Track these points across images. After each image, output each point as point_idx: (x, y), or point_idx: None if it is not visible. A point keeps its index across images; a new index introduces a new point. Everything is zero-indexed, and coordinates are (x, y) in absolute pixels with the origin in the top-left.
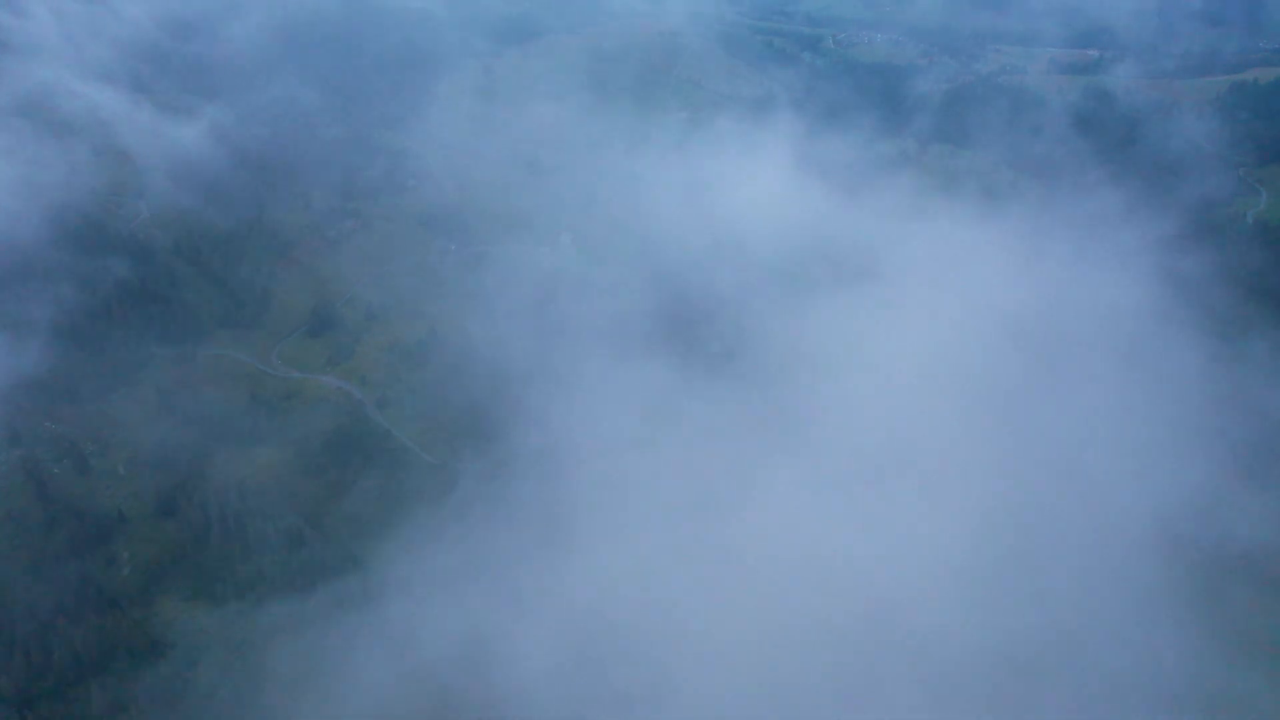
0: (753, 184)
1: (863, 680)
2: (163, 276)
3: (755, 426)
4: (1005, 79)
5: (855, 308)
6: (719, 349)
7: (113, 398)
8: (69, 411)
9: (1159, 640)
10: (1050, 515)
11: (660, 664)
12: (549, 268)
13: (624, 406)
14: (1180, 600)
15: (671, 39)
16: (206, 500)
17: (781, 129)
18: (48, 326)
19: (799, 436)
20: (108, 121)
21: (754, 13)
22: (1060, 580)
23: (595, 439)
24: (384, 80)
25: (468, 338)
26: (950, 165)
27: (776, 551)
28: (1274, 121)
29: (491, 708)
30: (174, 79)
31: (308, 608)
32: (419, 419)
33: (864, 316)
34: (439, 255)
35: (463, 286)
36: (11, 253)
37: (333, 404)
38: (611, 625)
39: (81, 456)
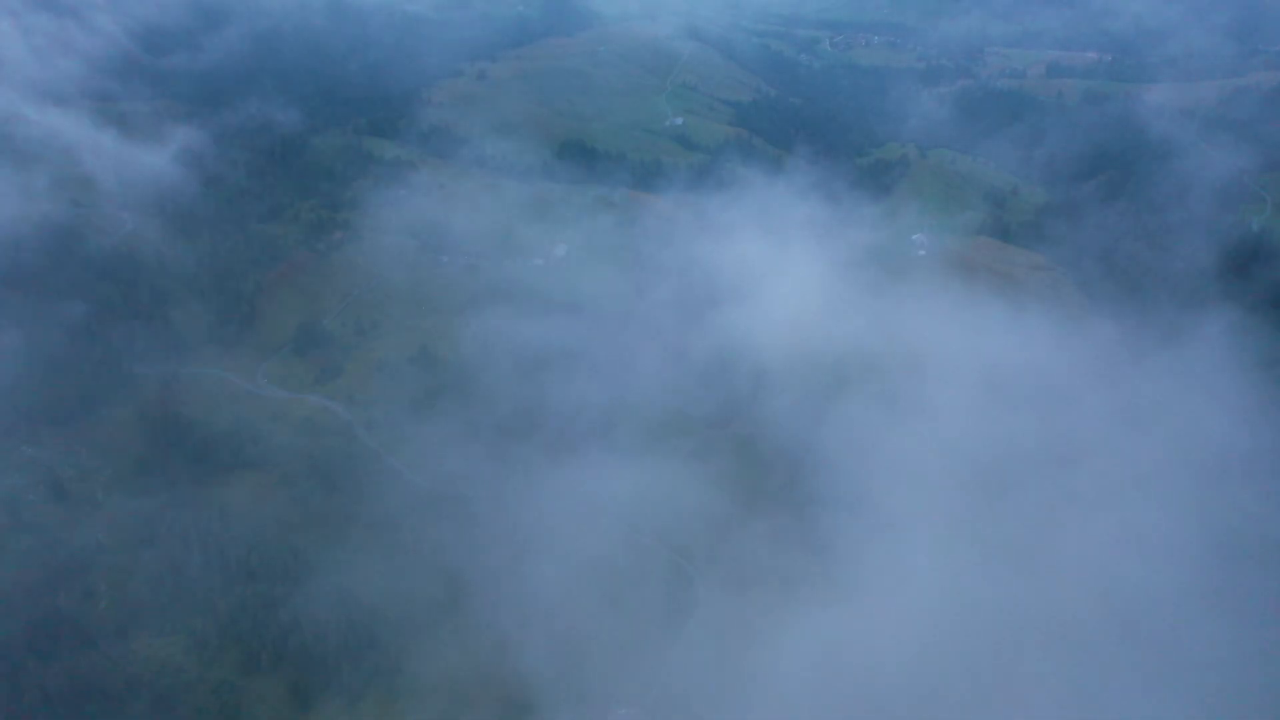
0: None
1: None
2: (146, 292)
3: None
4: (1004, 83)
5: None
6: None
7: (92, 419)
8: (47, 434)
9: None
10: None
11: None
12: (544, 281)
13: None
14: None
15: (668, 43)
16: (188, 529)
17: (775, 135)
18: (24, 345)
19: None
20: (88, 132)
21: (751, 16)
22: None
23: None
24: (375, 87)
25: (460, 355)
26: (950, 171)
27: None
28: (1278, 127)
29: None
30: (157, 89)
31: (290, 644)
32: (409, 441)
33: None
34: (431, 268)
35: (455, 301)
36: None
37: (320, 425)
38: None
39: (59, 482)
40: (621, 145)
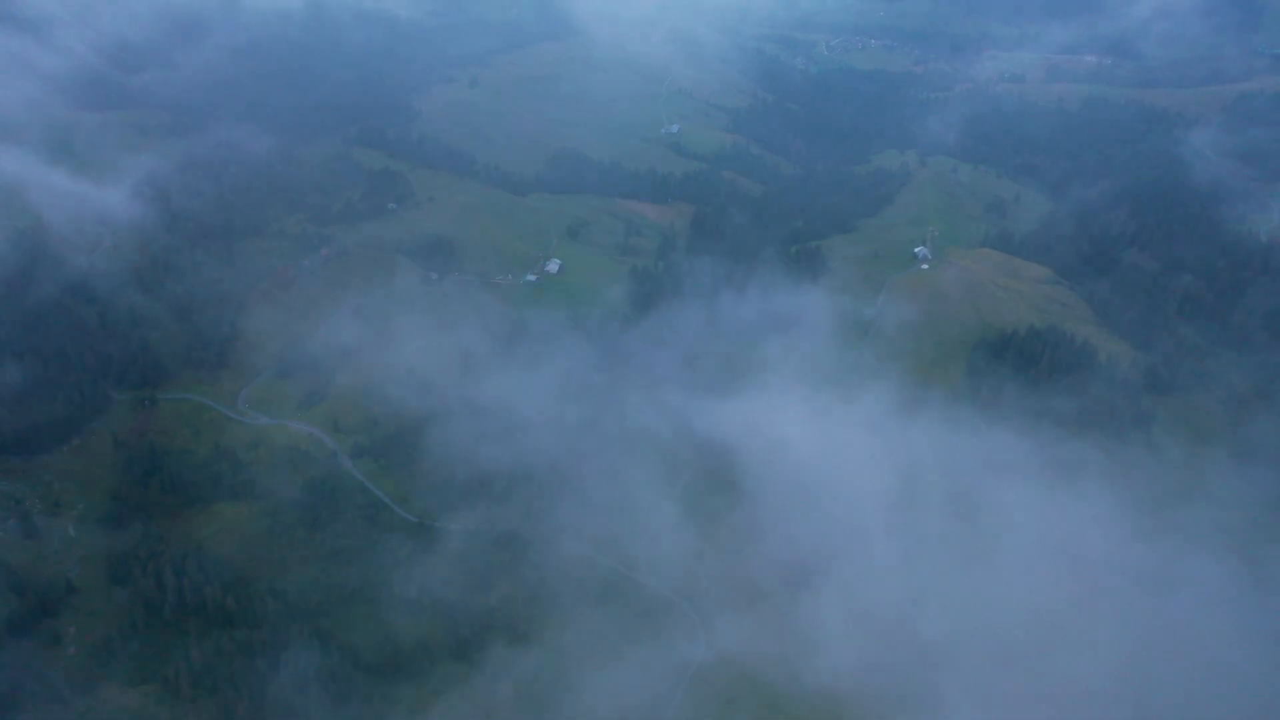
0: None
1: None
2: (123, 313)
3: None
4: (1004, 87)
5: None
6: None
7: (65, 448)
8: (17, 464)
9: None
10: None
11: None
12: (537, 298)
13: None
14: None
15: (663, 48)
16: (162, 567)
17: (773, 141)
18: None
19: None
20: (61, 147)
21: (745, 19)
22: None
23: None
24: (365, 95)
25: (451, 377)
26: (951, 179)
27: None
28: None
29: None
30: (136, 102)
31: (269, 695)
32: (396, 470)
33: None
34: (420, 285)
35: (446, 319)
36: None
37: (303, 453)
38: None
39: (28, 517)
40: (616, 153)
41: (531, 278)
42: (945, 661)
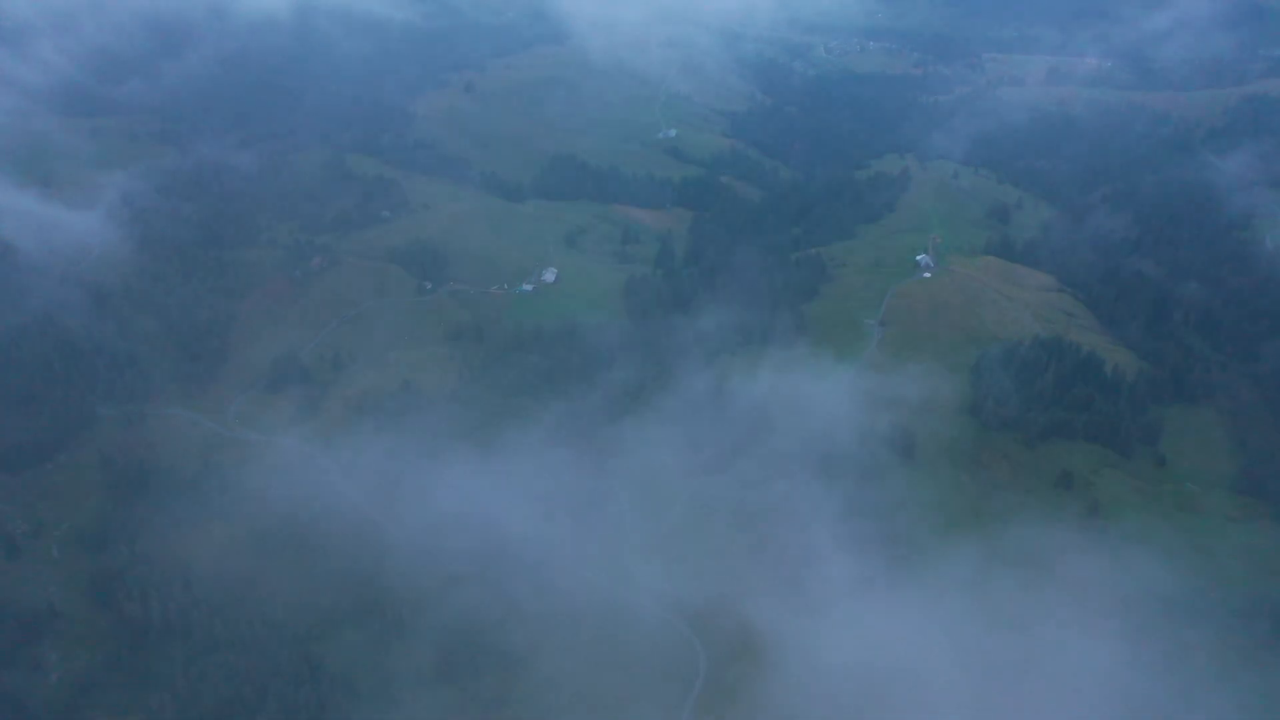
0: None
1: None
2: (110, 325)
3: None
4: (1004, 90)
5: None
6: None
7: (50, 466)
8: None
9: None
10: None
11: None
12: (532, 309)
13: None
14: None
15: (660, 51)
16: (148, 590)
17: (771, 146)
18: None
19: None
20: (53, 149)
21: (745, 22)
22: None
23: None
24: (359, 101)
25: (446, 390)
26: (952, 184)
27: None
28: None
29: None
30: (125, 109)
31: None
32: (392, 486)
33: None
34: (415, 295)
35: (441, 331)
36: None
37: (295, 471)
38: None
39: (10, 537)
40: (614, 159)
41: (527, 287)
42: None
